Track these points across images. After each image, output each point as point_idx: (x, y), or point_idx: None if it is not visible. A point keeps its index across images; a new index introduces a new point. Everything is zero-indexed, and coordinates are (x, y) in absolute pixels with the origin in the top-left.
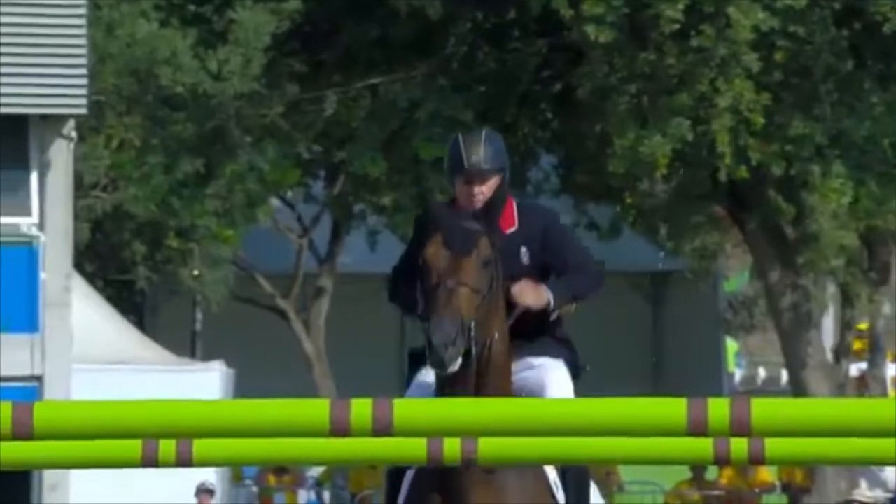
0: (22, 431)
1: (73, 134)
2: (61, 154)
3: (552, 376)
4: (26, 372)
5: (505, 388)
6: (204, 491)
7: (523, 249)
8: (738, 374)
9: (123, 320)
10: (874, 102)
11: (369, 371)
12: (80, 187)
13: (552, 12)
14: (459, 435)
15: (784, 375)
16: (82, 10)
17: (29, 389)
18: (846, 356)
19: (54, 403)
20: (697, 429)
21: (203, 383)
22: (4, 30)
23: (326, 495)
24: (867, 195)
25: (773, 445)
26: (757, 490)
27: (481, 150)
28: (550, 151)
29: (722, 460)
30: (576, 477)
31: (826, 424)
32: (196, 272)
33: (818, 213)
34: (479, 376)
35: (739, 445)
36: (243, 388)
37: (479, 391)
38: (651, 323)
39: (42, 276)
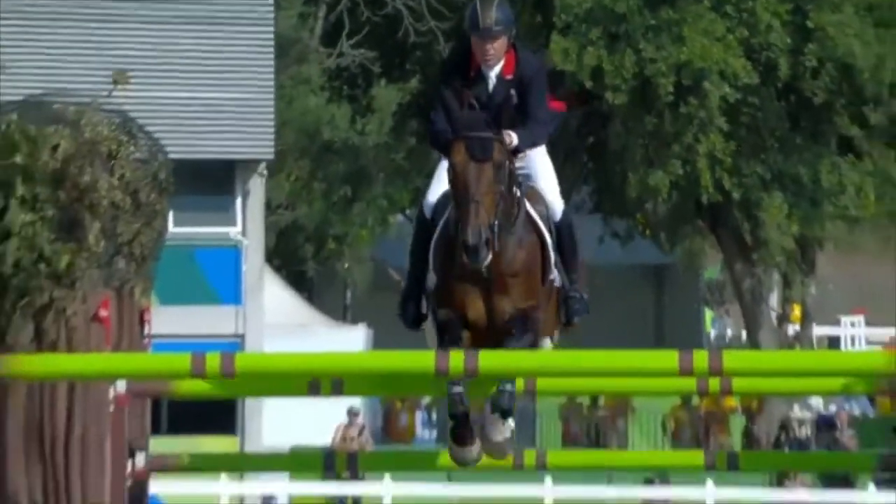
0: (228, 372)
1: (265, 172)
2: (256, 185)
3: (537, 165)
4: (232, 332)
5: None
6: (352, 413)
7: (512, 92)
8: (713, 334)
9: (299, 297)
10: (803, 152)
11: None
12: (269, 208)
13: (583, 85)
14: (523, 376)
15: (744, 335)
16: (271, 89)
17: (233, 344)
18: (786, 322)
19: (250, 354)
20: (686, 371)
21: (352, 340)
22: (227, 104)
23: (435, 415)
24: (797, 214)
25: (737, 382)
26: (726, 412)
27: (492, 15)
28: (586, 184)
29: (702, 392)
30: (568, 229)
31: (772, 368)
32: (347, 265)
33: (767, 227)
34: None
35: (714, 382)
36: (380, 344)
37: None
38: (654, 300)
39: (244, 267)
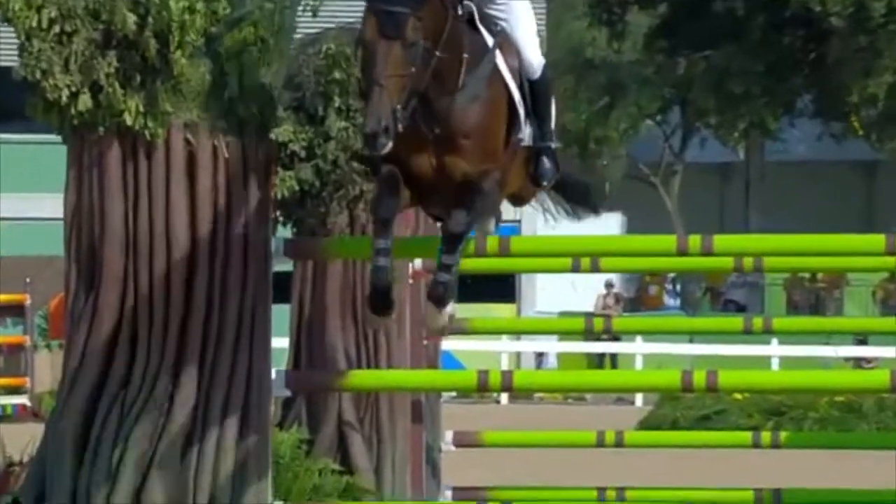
0: (504, 251)
1: None
2: None
3: (518, 15)
4: (511, 217)
5: (453, 88)
6: (609, 285)
7: None
8: None
9: None
10: None
11: None
12: None
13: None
14: (752, 256)
15: None
16: (543, 14)
17: (511, 228)
18: None
19: (524, 237)
20: (892, 251)
21: (608, 225)
22: None
23: (678, 286)
24: None
25: None
26: None
27: None
28: (807, 92)
29: None
30: (543, 85)
31: None
32: (605, 162)
33: None
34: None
35: None
36: (632, 228)
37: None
38: (864, 192)
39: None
